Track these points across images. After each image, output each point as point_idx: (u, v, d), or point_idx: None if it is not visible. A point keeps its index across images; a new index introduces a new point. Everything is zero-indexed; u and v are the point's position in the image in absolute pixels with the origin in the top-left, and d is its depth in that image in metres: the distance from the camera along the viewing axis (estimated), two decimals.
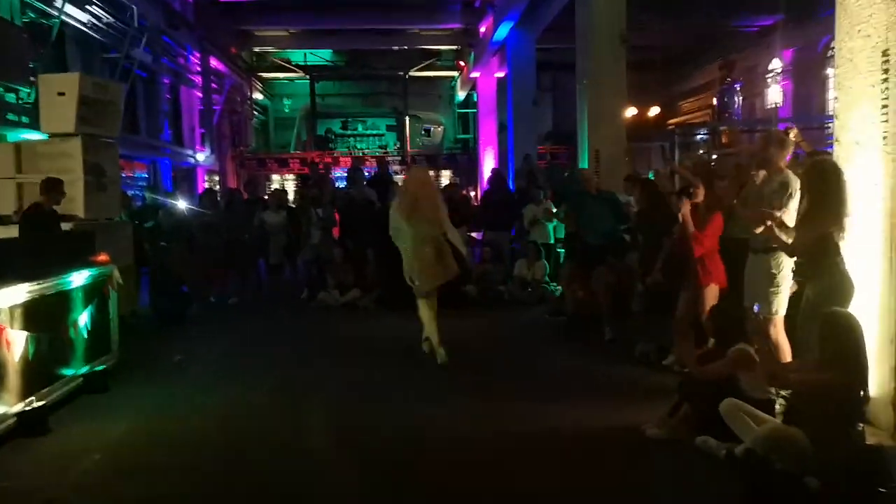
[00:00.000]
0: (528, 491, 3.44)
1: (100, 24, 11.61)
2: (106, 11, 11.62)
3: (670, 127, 16.37)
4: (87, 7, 11.13)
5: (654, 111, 14.81)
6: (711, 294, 5.10)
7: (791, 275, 4.24)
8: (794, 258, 4.03)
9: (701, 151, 13.74)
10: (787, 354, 4.22)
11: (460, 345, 6.69)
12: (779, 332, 4.32)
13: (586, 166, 9.33)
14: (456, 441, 4.09)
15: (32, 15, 9.86)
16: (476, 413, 4.59)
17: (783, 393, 3.71)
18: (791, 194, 4.11)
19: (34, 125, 7.96)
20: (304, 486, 3.55)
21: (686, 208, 5.12)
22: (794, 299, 4.25)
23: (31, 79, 8.97)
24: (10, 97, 8.72)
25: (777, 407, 3.75)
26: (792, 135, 4.68)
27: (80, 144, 7.05)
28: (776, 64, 14.26)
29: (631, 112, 11.09)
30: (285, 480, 3.62)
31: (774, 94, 14.29)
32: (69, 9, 10.44)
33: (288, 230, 9.54)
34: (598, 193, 7.25)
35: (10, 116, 8.51)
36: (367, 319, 8.21)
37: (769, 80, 14.59)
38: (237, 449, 4.05)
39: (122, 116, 8.11)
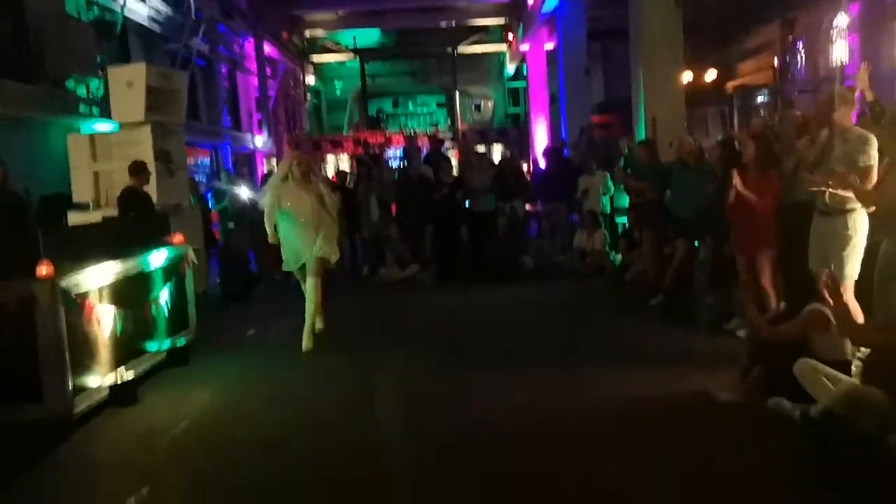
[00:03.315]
0: (602, 457, 3.46)
1: (159, 17, 11.96)
2: (165, 2, 11.96)
3: (728, 90, 15.81)
4: (147, 1, 11.47)
5: (711, 75, 14.30)
6: (769, 258, 4.98)
7: (865, 236, 4.11)
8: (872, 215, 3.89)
9: (762, 114, 13.26)
10: (859, 316, 4.11)
11: (521, 315, 6.76)
12: (849, 295, 4.20)
13: (643, 135, 9.14)
14: (525, 410, 4.14)
15: (97, 11, 10.21)
16: (542, 381, 4.63)
17: (860, 354, 3.62)
18: (872, 148, 3.97)
19: (105, 115, 8.29)
20: (372, 456, 3.65)
21: (737, 177, 5.00)
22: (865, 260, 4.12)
23: (99, 72, 9.33)
24: (81, 90, 9.09)
25: (853, 368, 3.66)
26: (862, 72, 4.47)
27: (150, 132, 7.33)
28: (842, 19, 13.54)
29: (687, 77, 10.76)
30: (352, 449, 3.72)
31: (840, 51, 13.58)
32: (131, 3, 10.78)
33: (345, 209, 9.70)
34: (690, 164, 6.60)
35: (83, 108, 8.88)
36: (426, 294, 8.32)
37: (834, 37, 13.87)
38: (310, 418, 4.20)
39: (185, 105, 8.37)
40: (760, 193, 4.95)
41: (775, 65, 15.39)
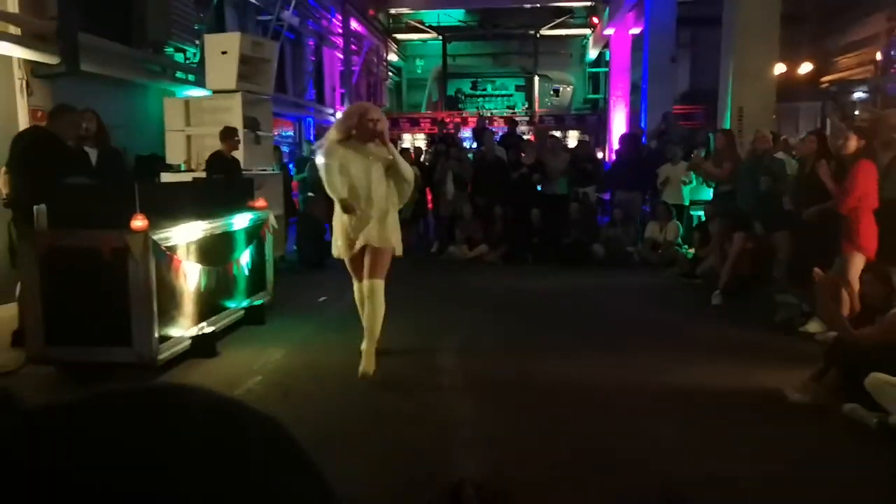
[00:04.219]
0: (669, 446, 3.39)
1: None
2: None
3: (823, 85, 14.96)
4: None
5: (806, 68, 13.55)
6: (857, 263, 4.72)
7: None
8: None
9: (857, 112, 12.49)
10: None
11: (587, 301, 6.68)
12: None
13: (728, 125, 8.78)
14: (592, 393, 4.10)
15: None
16: (610, 367, 4.57)
17: None
18: None
19: (199, 82, 8.59)
20: (428, 420, 3.70)
21: (824, 167, 4.74)
22: None
23: (196, 41, 9.66)
24: (179, 57, 9.44)
25: None
26: None
27: (240, 100, 7.56)
28: None
29: (780, 69, 10.24)
30: (408, 412, 3.80)
31: None
32: None
33: (421, 187, 9.78)
34: (762, 159, 6.46)
35: (179, 74, 9.22)
36: (494, 274, 8.31)
37: None
38: (374, 381, 4.29)
39: (275, 76, 8.59)
40: (850, 184, 4.70)
41: (877, 59, 14.45)
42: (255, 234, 5.83)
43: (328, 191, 4.39)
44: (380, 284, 4.40)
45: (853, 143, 4.79)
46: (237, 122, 7.51)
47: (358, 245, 4.35)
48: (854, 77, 14.82)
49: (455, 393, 4.12)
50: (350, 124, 4.35)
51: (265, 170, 8.11)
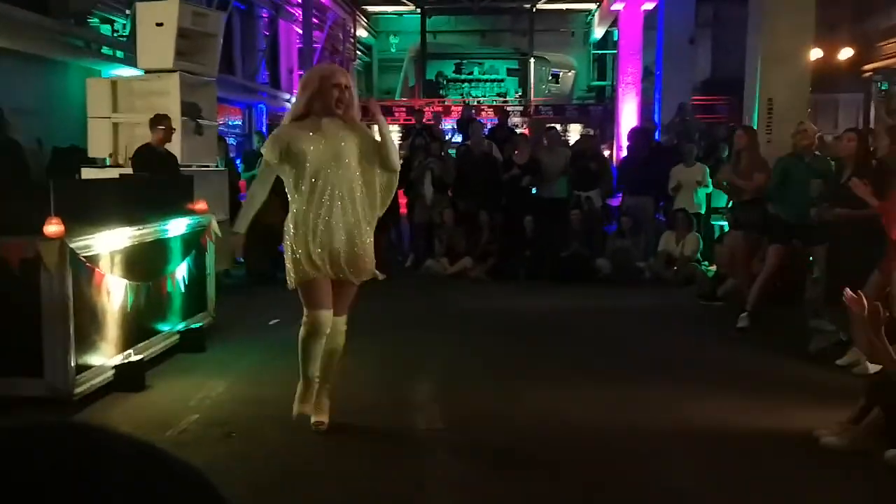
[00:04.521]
0: (681, 497, 3.43)
1: None
2: None
3: (866, 74, 15.27)
4: None
5: (846, 53, 13.85)
6: None
7: None
8: None
9: None
10: None
11: (589, 326, 6.73)
12: None
13: (756, 119, 8.93)
14: (590, 431, 4.15)
15: None
16: (611, 402, 4.62)
17: None
18: None
19: (129, 60, 8.58)
20: (395, 464, 3.72)
21: (859, 185, 4.88)
22: None
23: (126, 10, 9.65)
24: (106, 28, 9.43)
25: None
26: None
27: (178, 82, 7.55)
28: None
29: (816, 54, 10.45)
30: (374, 452, 3.80)
31: None
32: None
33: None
34: (806, 158, 6.45)
35: (105, 50, 9.22)
36: (479, 292, 8.35)
37: None
38: (334, 418, 4.29)
39: (220, 53, 8.59)
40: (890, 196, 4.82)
41: None
42: (193, 244, 5.81)
43: (254, 186, 3.98)
44: (344, 323, 4.02)
45: (886, 145, 4.93)
46: (174, 108, 7.50)
47: (324, 272, 3.78)
48: None
49: (430, 434, 4.13)
50: (309, 93, 3.75)
51: (208, 166, 8.09)
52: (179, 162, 7.19)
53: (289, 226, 3.84)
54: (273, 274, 8.52)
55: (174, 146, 7.15)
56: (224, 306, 6.38)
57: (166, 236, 5.39)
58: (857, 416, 3.85)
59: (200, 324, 5.76)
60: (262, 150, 3.91)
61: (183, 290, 5.65)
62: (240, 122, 15.73)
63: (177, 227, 5.52)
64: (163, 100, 7.58)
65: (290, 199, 3.84)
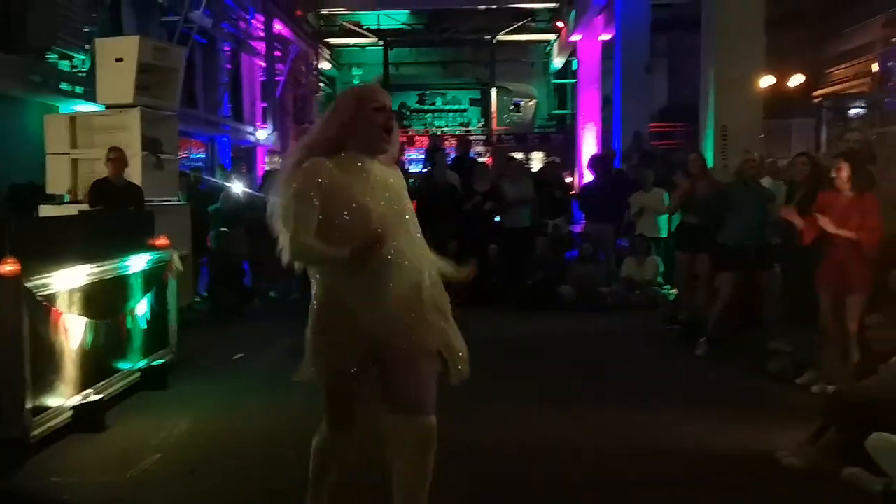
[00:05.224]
0: None
1: None
2: None
3: (816, 99, 15.71)
4: None
5: (797, 80, 14.24)
6: (861, 300, 4.97)
7: None
8: None
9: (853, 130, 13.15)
10: None
11: (559, 351, 6.76)
12: None
13: (711, 145, 9.13)
14: (558, 455, 4.16)
15: None
16: (580, 426, 4.65)
17: None
18: None
19: (89, 95, 8.50)
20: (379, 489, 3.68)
21: (824, 218, 5.02)
22: None
23: (86, 45, 9.58)
24: (65, 65, 9.34)
25: None
26: None
27: (139, 116, 7.50)
28: None
29: (768, 81, 10.73)
30: (371, 490, 3.76)
31: None
32: None
33: None
34: (752, 184, 6.67)
35: (64, 86, 9.12)
36: None
37: None
38: (303, 458, 4.23)
39: (181, 87, 8.56)
40: (856, 224, 4.95)
41: (874, 71, 15.27)
42: (155, 279, 5.74)
43: (298, 256, 2.64)
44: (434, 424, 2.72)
45: (845, 174, 5.06)
46: (135, 142, 7.44)
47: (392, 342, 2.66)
48: (850, 91, 15.60)
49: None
50: (342, 120, 2.71)
51: (170, 200, 8.02)
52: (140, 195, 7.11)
53: (325, 307, 2.73)
54: (238, 307, 8.46)
55: (135, 181, 7.08)
56: (187, 342, 6.29)
57: (126, 272, 5.31)
58: (815, 435, 3.91)
59: (162, 360, 5.67)
60: (281, 192, 2.69)
61: (144, 326, 5.56)
62: (204, 155, 15.65)
63: (137, 262, 5.45)
64: (123, 134, 7.52)
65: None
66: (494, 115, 23.08)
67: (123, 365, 5.27)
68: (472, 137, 18.61)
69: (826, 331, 5.16)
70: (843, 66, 16.68)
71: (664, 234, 9.49)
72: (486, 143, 20.66)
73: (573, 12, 19.80)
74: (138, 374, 5.39)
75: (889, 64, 14.61)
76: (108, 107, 7.81)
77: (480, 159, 15.22)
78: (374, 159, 2.73)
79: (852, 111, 14.12)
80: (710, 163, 8.61)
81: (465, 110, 24.21)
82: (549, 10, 22.51)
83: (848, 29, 16.08)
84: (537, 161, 18.94)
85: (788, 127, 15.21)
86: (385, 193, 2.69)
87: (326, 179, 2.60)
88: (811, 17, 16.71)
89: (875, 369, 4.06)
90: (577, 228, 10.59)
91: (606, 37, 17.86)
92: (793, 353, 5.71)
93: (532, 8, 22.60)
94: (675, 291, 8.55)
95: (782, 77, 14.09)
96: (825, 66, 17.29)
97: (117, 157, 6.81)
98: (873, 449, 3.51)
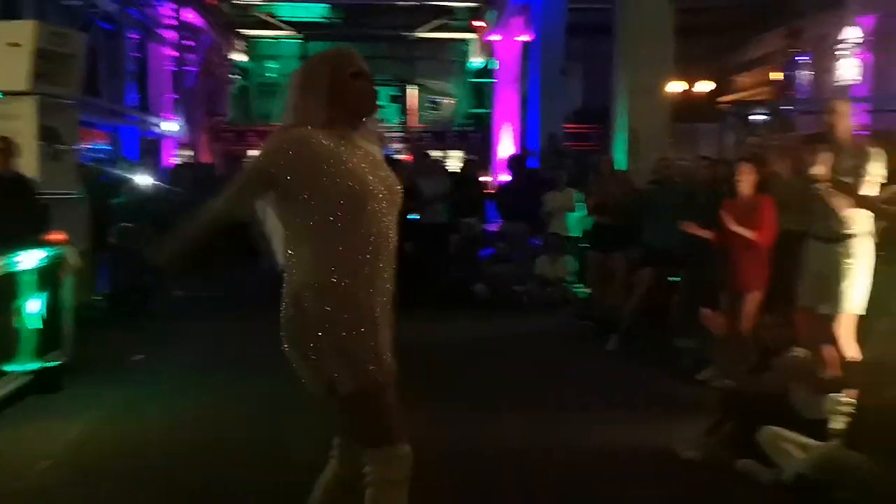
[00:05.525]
0: None
1: None
2: None
3: (722, 105, 16.37)
4: None
5: (705, 86, 14.82)
6: (756, 299, 5.20)
7: (871, 265, 4.35)
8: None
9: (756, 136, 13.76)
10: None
11: (464, 351, 6.79)
12: (849, 335, 4.42)
13: (623, 148, 9.38)
14: (468, 456, 4.17)
15: None
16: (474, 428, 4.66)
17: (846, 412, 3.78)
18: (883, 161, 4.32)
19: None
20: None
21: (728, 215, 5.23)
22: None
23: None
24: None
25: (839, 425, 3.82)
26: None
27: (35, 105, 7.15)
28: (853, 33, 14.16)
29: (677, 87, 11.11)
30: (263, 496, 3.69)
31: (849, 69, 14.18)
32: None
33: None
34: (668, 186, 6.95)
35: None
36: None
37: (843, 52, 14.49)
38: (206, 459, 4.13)
39: (82, 75, 8.21)
40: (755, 225, 5.17)
41: (777, 79, 16.02)
42: (49, 276, 5.47)
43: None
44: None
45: (750, 178, 5.30)
46: (30, 132, 7.08)
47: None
48: (753, 98, 16.32)
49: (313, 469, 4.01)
50: (319, 87, 2.41)
51: (67, 193, 7.66)
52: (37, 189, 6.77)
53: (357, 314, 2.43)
54: (140, 305, 8.17)
55: (29, 173, 6.73)
56: (85, 342, 6.02)
57: (16, 269, 5.05)
58: (711, 428, 4.06)
59: (56, 362, 5.41)
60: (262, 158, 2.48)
61: (37, 326, 5.29)
62: (109, 147, 15.06)
63: (28, 259, 5.19)
64: (17, 123, 7.11)
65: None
66: (413, 112, 23.11)
67: (13, 367, 5.01)
68: (390, 134, 18.56)
69: (723, 328, 5.36)
70: (747, 74, 17.44)
71: (574, 234, 9.68)
72: (404, 140, 20.65)
73: (493, 12, 20.00)
74: (30, 377, 5.13)
75: (790, 73, 15.35)
76: (4, 94, 7.41)
77: (398, 156, 15.21)
78: (358, 134, 2.47)
79: (753, 117, 14.77)
80: (622, 165, 8.86)
81: (383, 107, 24.12)
82: (468, 8, 22.64)
83: (752, 39, 16.81)
84: (455, 159, 19.07)
85: (696, 131, 15.79)
86: (379, 172, 2.46)
87: (304, 152, 2.32)
88: (719, 27, 17.38)
89: (770, 366, 4.24)
90: (493, 227, 10.68)
91: (525, 38, 18.12)
92: (698, 350, 5.91)
93: (451, 6, 22.68)
94: (587, 290, 8.73)
95: (692, 83, 14.65)
96: (730, 74, 18.03)
97: (4, 147, 6.43)
98: (764, 442, 3.68)
